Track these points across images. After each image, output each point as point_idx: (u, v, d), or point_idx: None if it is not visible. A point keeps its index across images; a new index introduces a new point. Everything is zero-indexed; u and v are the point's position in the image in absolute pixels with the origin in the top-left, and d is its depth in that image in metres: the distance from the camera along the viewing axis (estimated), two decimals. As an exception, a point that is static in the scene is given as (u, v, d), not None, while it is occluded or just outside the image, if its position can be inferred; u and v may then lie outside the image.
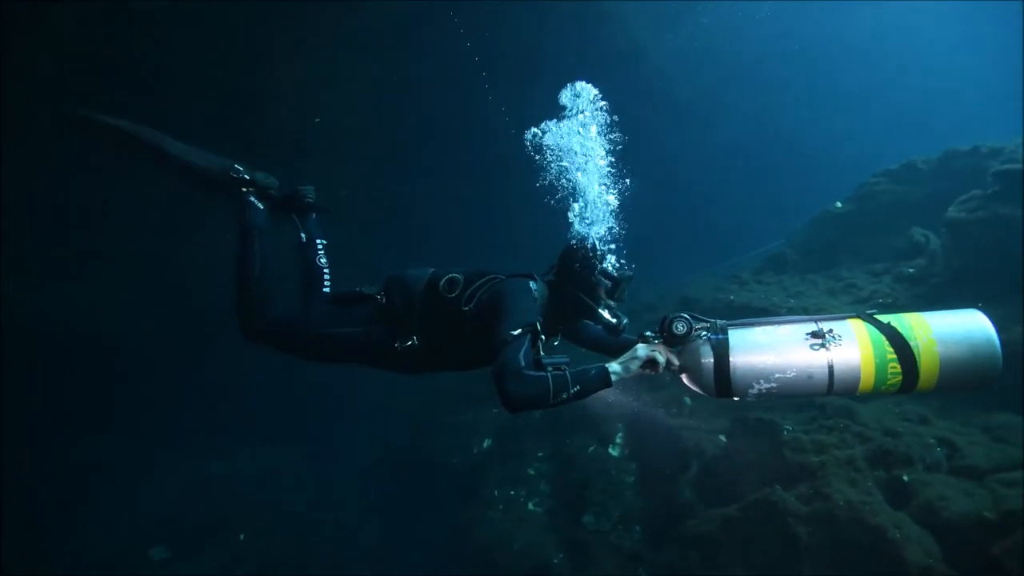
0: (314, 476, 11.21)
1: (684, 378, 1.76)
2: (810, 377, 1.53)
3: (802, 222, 10.74)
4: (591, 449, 7.35)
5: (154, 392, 9.91)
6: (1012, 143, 9.08)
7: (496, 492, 7.52)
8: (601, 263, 2.02)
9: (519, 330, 1.75)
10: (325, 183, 2.71)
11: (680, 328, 1.70)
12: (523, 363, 1.68)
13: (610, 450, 7.16)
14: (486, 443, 8.97)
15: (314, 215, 2.36)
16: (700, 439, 6.39)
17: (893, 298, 7.42)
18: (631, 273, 2.03)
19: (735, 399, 1.66)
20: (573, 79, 2.25)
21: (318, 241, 2.30)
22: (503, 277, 2.02)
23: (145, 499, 9.18)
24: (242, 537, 9.01)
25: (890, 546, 3.55)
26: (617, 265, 2.06)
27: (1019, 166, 6.45)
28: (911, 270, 7.79)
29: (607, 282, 2.00)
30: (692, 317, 1.70)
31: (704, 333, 1.68)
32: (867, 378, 1.50)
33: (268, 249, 2.14)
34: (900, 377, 1.49)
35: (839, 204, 10.32)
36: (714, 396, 1.67)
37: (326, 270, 2.26)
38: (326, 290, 2.22)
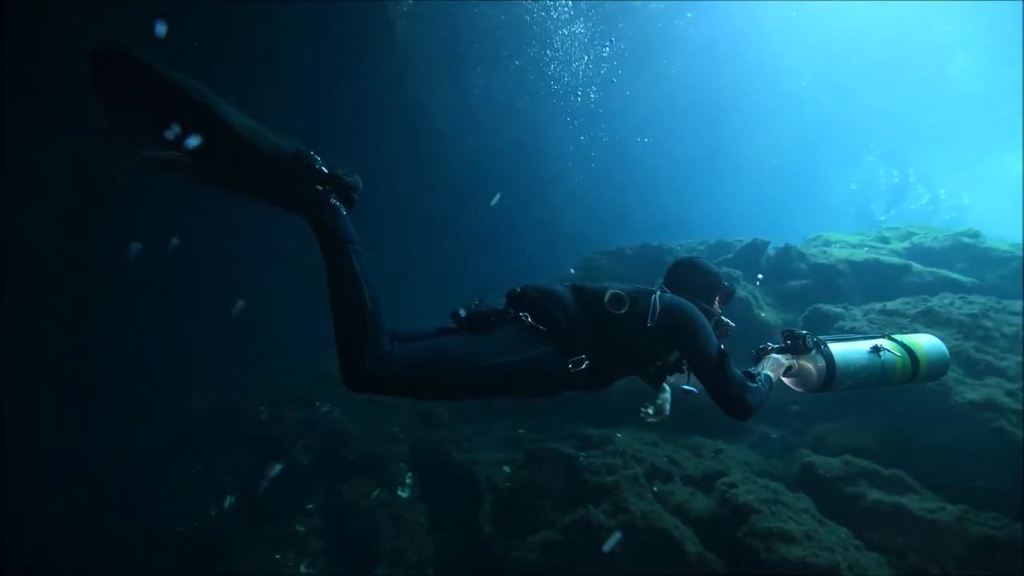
0: None
1: (792, 379, 2.22)
2: (873, 374, 2.17)
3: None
4: (375, 494, 6.90)
5: None
6: (678, 243, 12.92)
7: (254, 559, 6.25)
8: (713, 276, 2.23)
9: (722, 344, 1.85)
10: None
11: (810, 342, 2.14)
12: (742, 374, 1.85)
13: (399, 492, 6.86)
14: (228, 501, 7.41)
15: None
16: (490, 472, 6.75)
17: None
18: (735, 286, 2.31)
19: (827, 392, 2.18)
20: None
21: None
22: (657, 292, 2.02)
23: None
24: None
25: (675, 543, 4.50)
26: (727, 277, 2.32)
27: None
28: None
29: (721, 292, 2.24)
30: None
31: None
32: (898, 373, 2.22)
33: (370, 268, 1.60)
34: (911, 372, 2.24)
35: (572, 271, 12.72)
36: (816, 391, 2.16)
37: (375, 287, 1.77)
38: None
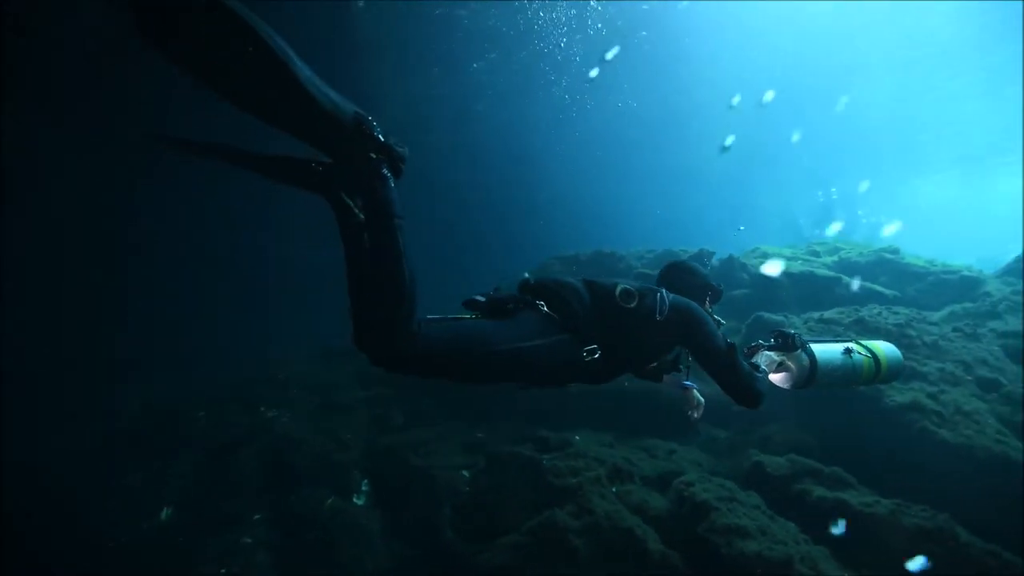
0: None
1: (780, 375, 2.34)
2: (846, 373, 2.31)
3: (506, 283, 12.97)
4: (329, 502, 6.64)
5: None
6: (629, 251, 13.31)
7: (196, 574, 5.85)
8: (705, 278, 2.36)
9: (729, 339, 1.94)
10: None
11: (799, 340, 2.27)
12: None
13: (354, 499, 6.64)
14: (166, 513, 6.92)
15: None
16: (451, 478, 6.67)
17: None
18: (724, 287, 2.44)
19: (807, 388, 2.32)
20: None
21: None
22: (663, 290, 2.09)
23: None
24: None
25: (639, 542, 4.61)
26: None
27: (650, 272, 9.67)
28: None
29: (712, 292, 2.38)
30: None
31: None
32: (865, 373, 2.37)
33: (412, 246, 1.53)
34: (874, 372, 2.39)
35: (527, 274, 12.86)
36: (799, 387, 2.29)
37: None
38: None
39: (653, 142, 23.89)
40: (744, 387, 2.03)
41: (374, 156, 1.53)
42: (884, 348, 2.61)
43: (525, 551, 4.68)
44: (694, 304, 2.12)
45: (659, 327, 2.01)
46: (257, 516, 6.65)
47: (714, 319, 2.30)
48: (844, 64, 17.16)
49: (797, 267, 10.89)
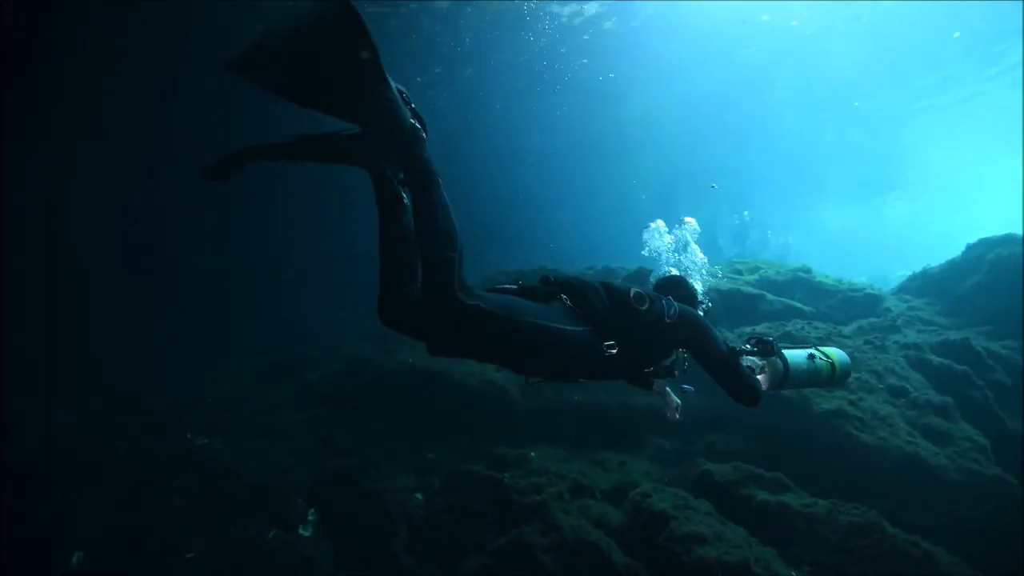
0: None
1: (759, 377, 2.47)
2: (809, 377, 2.53)
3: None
4: (271, 534, 6.22)
5: None
6: (571, 267, 13.61)
7: (120, 625, 5.27)
8: (695, 290, 2.57)
9: (729, 342, 2.08)
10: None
11: (776, 347, 2.46)
12: None
13: (300, 531, 6.26)
14: (77, 558, 6.20)
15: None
16: (403, 501, 6.47)
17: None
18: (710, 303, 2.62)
19: (781, 391, 2.53)
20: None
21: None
22: (668, 296, 2.24)
23: None
24: None
25: (603, 554, 4.71)
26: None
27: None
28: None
29: (703, 302, 2.57)
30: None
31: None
32: (824, 375, 2.59)
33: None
34: (830, 374, 2.61)
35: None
36: (773, 389, 2.46)
37: None
38: None
39: (588, 166, 24.85)
40: (745, 387, 2.23)
41: (413, 122, 1.71)
42: (837, 354, 2.89)
43: (493, 572, 4.63)
44: (697, 312, 2.32)
45: (667, 330, 2.16)
46: (190, 555, 6.10)
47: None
48: (759, 101, 18.78)
49: (725, 284, 11.66)
